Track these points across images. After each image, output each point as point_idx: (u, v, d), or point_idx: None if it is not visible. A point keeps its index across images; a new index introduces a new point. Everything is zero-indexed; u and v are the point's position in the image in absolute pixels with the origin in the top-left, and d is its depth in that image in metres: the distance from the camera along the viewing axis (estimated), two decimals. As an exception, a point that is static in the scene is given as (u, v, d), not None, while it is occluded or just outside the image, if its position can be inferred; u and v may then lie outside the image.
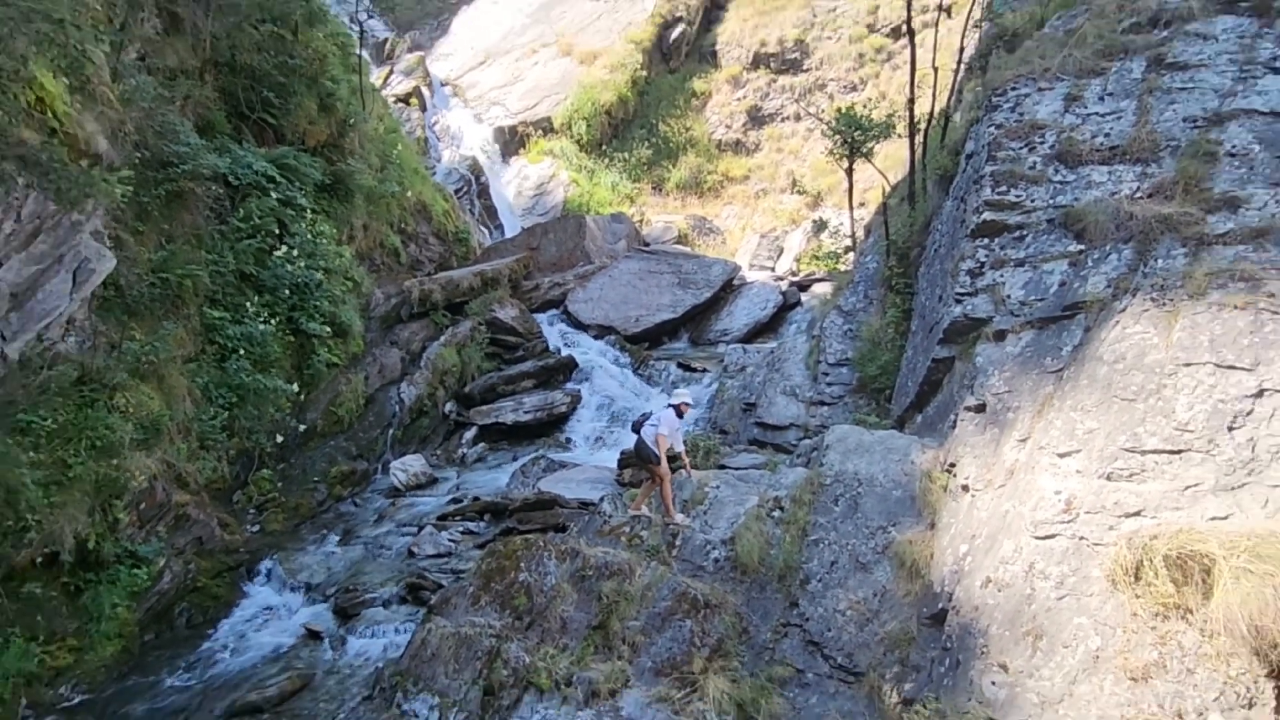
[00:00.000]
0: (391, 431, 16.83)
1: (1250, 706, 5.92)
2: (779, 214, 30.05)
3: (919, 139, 16.12)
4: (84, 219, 10.27)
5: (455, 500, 14.59)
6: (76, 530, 9.71)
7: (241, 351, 13.76)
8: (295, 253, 15.39)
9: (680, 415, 10.61)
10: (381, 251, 20.98)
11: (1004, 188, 10.75)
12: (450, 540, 12.91)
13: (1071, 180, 10.55)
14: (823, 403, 14.89)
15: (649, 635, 8.89)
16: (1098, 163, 10.55)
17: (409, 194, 22.82)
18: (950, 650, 7.63)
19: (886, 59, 31.68)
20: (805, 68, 32.84)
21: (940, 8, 18.06)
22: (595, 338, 21.21)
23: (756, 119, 32.98)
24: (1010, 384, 9.05)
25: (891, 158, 22.13)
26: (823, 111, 27.67)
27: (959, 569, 8.12)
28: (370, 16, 27.86)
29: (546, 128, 32.27)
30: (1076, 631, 6.73)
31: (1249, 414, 7.13)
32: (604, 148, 32.31)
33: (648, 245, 27.85)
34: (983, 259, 10.50)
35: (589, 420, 17.94)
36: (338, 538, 13.46)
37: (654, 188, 32.05)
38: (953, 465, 9.30)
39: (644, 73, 33.57)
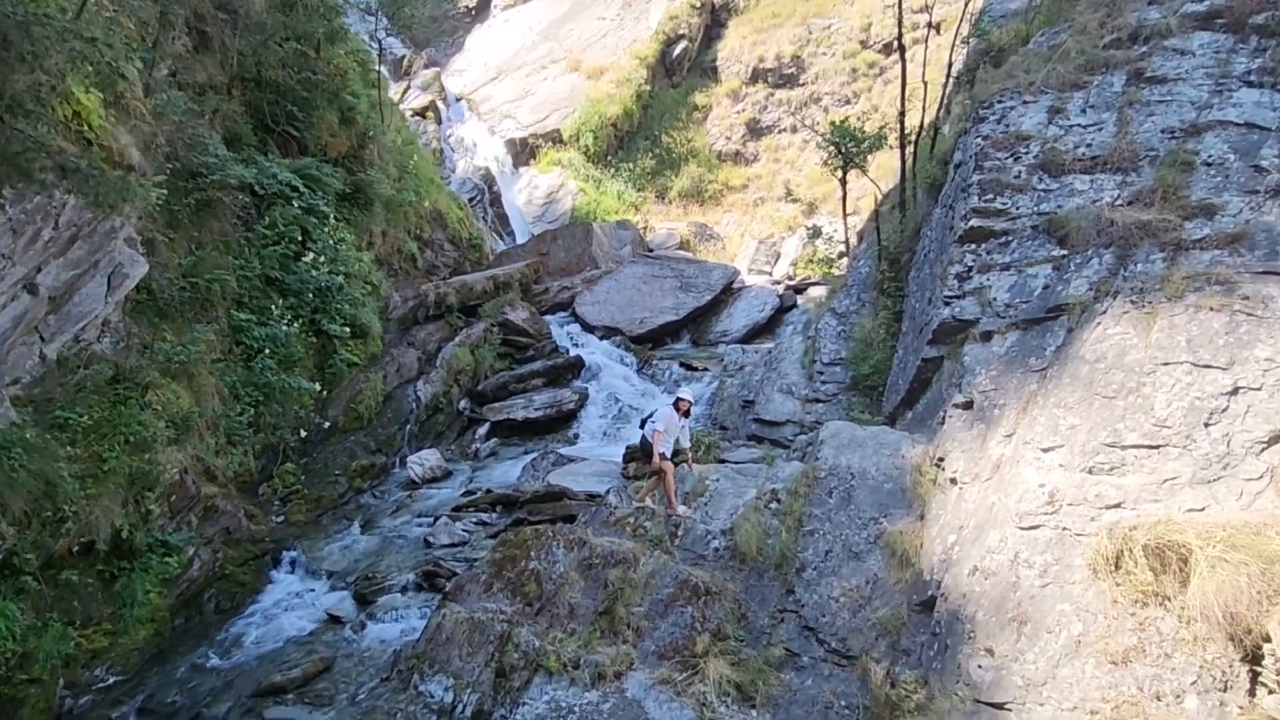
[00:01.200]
0: (409, 427, 16.82)
1: (1225, 689, 5.89)
2: (776, 221, 30.02)
3: (909, 150, 16.08)
4: (118, 226, 10.29)
5: (469, 492, 14.58)
6: (111, 520, 9.75)
7: (267, 351, 13.78)
8: (320, 259, 15.42)
9: (686, 414, 10.59)
10: (399, 257, 21.00)
11: (990, 196, 10.71)
12: (464, 530, 12.90)
13: (1055, 188, 10.51)
14: (818, 400, 14.84)
15: (652, 620, 8.88)
16: (1080, 172, 10.50)
17: (425, 202, 22.84)
18: (939, 635, 7.61)
19: (878, 74, 31.64)
20: (801, 82, 32.81)
21: (930, 25, 17.99)
22: (602, 339, 21.17)
23: (755, 131, 32.95)
24: (996, 382, 9.02)
25: (883, 167, 22.08)
26: (818, 124, 27.63)
27: (947, 558, 8.09)
28: (389, 34, 27.80)
29: (555, 139, 32.30)
30: (1059, 617, 6.71)
31: (1224, 411, 7.10)
32: (610, 158, 32.31)
33: (651, 251, 27.84)
34: (970, 263, 10.46)
35: (596, 417, 17.90)
36: (358, 528, 13.47)
37: (657, 196, 32.04)
38: (941, 459, 9.27)
39: (648, 87, 33.57)
